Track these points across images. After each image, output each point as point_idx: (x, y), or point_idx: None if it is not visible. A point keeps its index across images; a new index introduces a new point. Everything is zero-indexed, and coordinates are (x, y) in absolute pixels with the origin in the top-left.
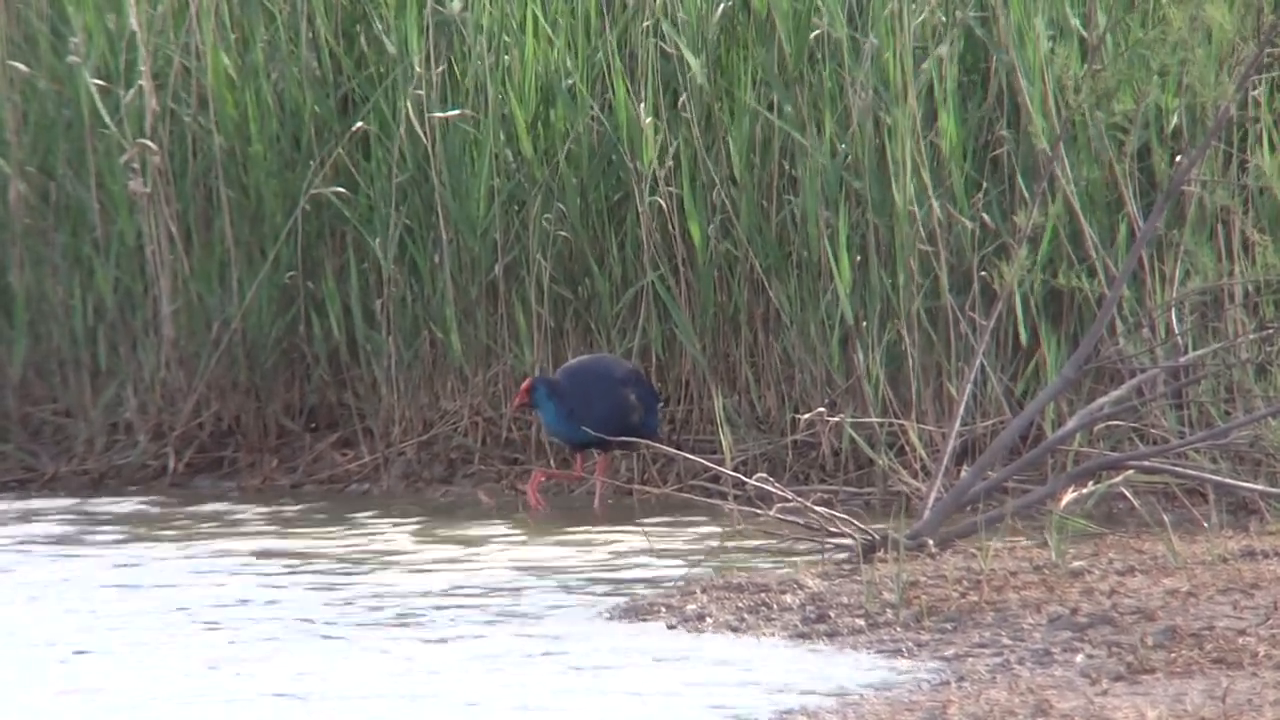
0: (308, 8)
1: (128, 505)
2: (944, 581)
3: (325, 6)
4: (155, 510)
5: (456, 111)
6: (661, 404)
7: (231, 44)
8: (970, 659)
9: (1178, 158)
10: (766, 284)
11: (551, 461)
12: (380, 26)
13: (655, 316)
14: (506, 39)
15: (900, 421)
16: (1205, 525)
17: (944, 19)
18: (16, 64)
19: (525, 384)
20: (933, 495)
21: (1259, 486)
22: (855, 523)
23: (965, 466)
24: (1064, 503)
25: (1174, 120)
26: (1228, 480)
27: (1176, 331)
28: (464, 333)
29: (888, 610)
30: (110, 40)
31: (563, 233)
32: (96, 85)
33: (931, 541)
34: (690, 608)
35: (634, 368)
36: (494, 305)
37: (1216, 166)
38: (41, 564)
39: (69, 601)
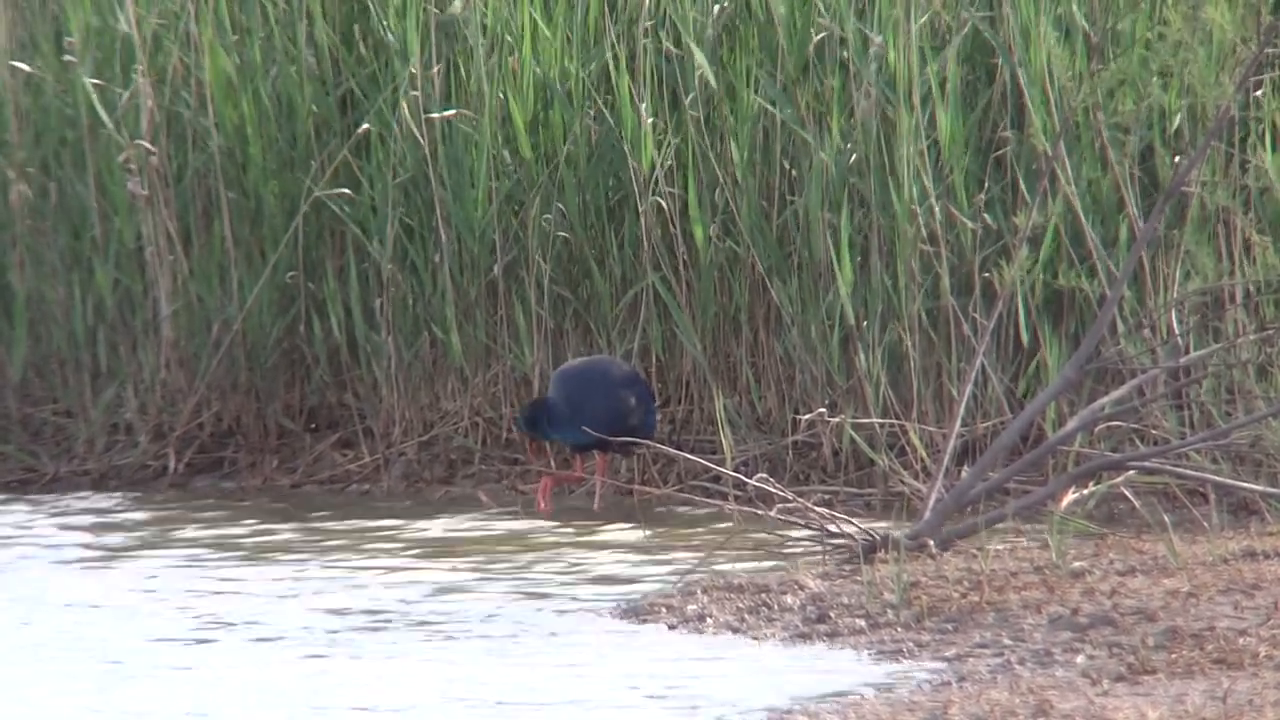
0: (306, 7)
1: (128, 505)
2: (945, 582)
3: (324, 6)
4: (155, 510)
5: (455, 112)
6: (657, 404)
7: (230, 43)
8: (971, 659)
9: (1178, 159)
10: (767, 284)
11: (552, 462)
12: (381, 26)
13: (656, 317)
14: (508, 39)
15: (901, 422)
16: (1206, 526)
17: (949, 20)
18: (18, 64)
19: (531, 445)
20: (933, 496)
21: (1260, 487)
22: (856, 523)
23: (966, 467)
24: (1065, 503)
25: (1176, 121)
26: (1228, 481)
27: (1177, 332)
28: (464, 333)
29: (888, 611)
30: (109, 40)
31: (562, 233)
32: (94, 85)
33: (932, 542)
34: (691, 608)
35: (632, 369)
36: (494, 306)
37: (1217, 167)
38: (40, 563)
39: (66, 600)
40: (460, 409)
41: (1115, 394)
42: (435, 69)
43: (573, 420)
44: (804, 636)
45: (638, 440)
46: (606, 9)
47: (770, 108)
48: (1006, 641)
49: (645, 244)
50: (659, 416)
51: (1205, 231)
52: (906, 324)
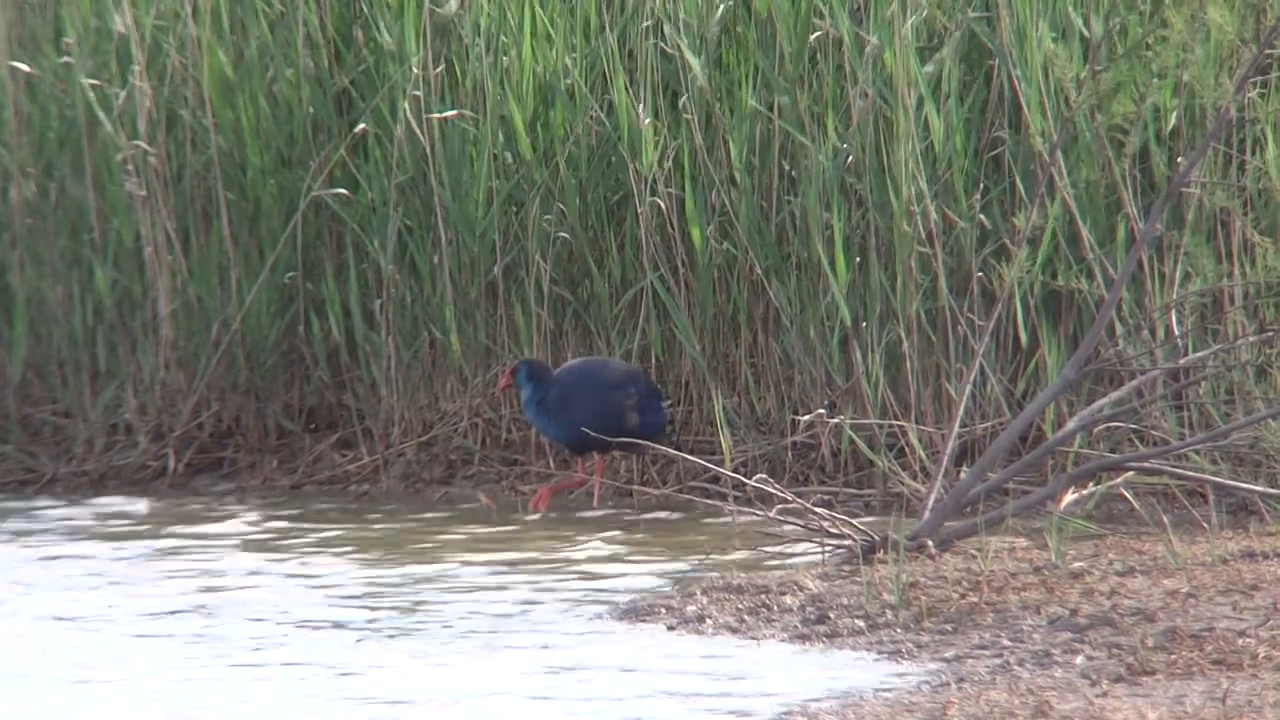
0: (303, 7)
1: (127, 506)
2: (944, 583)
3: (320, 6)
4: (155, 511)
5: (455, 112)
6: (668, 403)
7: (228, 44)
8: (970, 660)
9: (1178, 159)
10: (766, 285)
11: (551, 463)
12: (380, 24)
13: (655, 317)
14: (505, 39)
15: (900, 423)
16: (1205, 526)
17: (945, 21)
18: (18, 64)
19: (510, 366)
20: (932, 496)
21: (1259, 488)
22: (855, 524)
23: (965, 468)
24: (1064, 504)
25: (1172, 120)
26: (1228, 481)
27: (1176, 333)
28: (463, 333)
29: (887, 611)
30: (107, 40)
31: (562, 234)
32: (92, 85)
33: (931, 543)
34: (690, 609)
35: (632, 371)
36: (493, 306)
37: (1216, 168)
38: (39, 564)
39: (67, 601)
40: (460, 410)
41: (1114, 395)
42: (437, 69)
43: (558, 415)
44: (803, 637)
45: (637, 441)
46: (604, 8)
47: (768, 113)
48: (1006, 642)
49: (644, 245)
50: (666, 416)
51: (1204, 232)
52: (905, 325)
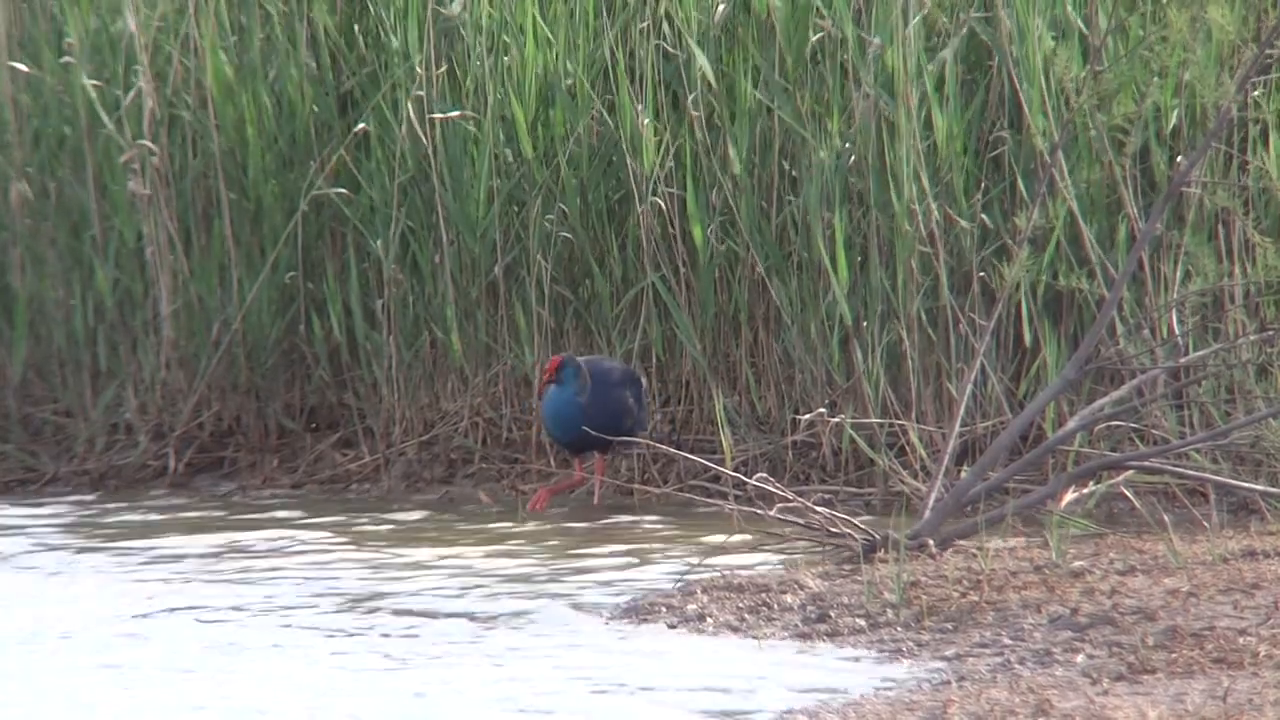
0: (306, 7)
1: (128, 505)
2: (944, 581)
3: (323, 6)
4: (155, 510)
5: (457, 112)
6: (649, 403)
7: (230, 44)
8: (971, 659)
9: (1178, 158)
10: (767, 284)
11: (551, 462)
12: (386, 23)
13: (656, 317)
14: (506, 39)
15: (900, 422)
16: (1206, 525)
17: (946, 21)
18: (18, 64)
19: (554, 360)
20: (933, 495)
21: (1260, 486)
22: (856, 523)
23: (965, 467)
24: (1064, 503)
25: (1172, 120)
26: (1228, 480)
27: (1177, 332)
28: (464, 333)
29: (888, 610)
30: (110, 41)
31: (563, 233)
32: (95, 86)
33: (932, 541)
34: (691, 608)
35: (628, 368)
36: (494, 306)
37: (1216, 168)
38: (40, 563)
39: (68, 600)
40: (460, 409)
41: (1115, 394)
42: (440, 70)
43: (586, 410)
44: (804, 636)
45: (635, 440)
46: (605, 8)
47: (770, 104)
48: (1006, 641)
49: (645, 244)
50: (659, 416)
51: (1205, 232)
52: (906, 324)
